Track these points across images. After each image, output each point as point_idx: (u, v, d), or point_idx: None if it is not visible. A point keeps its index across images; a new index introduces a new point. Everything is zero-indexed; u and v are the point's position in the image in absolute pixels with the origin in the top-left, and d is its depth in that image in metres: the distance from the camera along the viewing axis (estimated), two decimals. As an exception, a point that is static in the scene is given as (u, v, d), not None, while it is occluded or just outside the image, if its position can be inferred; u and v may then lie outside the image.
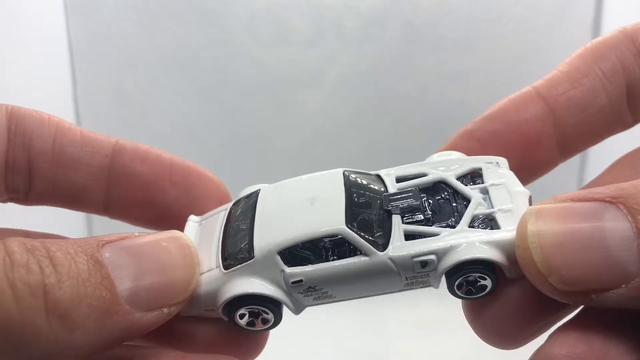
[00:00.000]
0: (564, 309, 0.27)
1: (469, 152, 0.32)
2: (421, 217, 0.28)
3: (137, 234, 0.25)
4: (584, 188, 0.27)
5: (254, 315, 0.28)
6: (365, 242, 0.27)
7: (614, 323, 0.24)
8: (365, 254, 0.27)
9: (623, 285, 0.22)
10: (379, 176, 0.31)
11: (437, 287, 0.28)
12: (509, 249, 0.26)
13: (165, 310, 0.25)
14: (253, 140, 0.82)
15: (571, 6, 0.78)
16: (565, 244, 0.22)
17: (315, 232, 0.27)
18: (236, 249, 0.28)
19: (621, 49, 0.31)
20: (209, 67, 0.79)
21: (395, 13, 0.77)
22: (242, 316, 0.28)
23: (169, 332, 0.28)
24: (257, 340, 0.30)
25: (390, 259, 0.27)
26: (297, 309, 0.29)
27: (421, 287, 0.28)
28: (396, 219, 0.28)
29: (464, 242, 0.26)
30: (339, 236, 0.27)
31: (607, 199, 0.22)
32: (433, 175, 0.30)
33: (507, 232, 0.26)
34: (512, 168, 0.30)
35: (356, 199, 0.29)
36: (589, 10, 0.78)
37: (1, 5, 0.65)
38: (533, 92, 0.32)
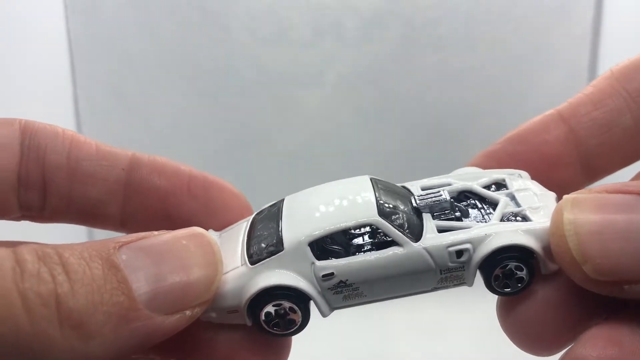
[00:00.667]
0: (600, 313, 0.26)
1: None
2: (451, 215, 0.28)
3: (155, 232, 0.25)
4: None
5: (279, 316, 0.27)
6: (399, 232, 0.26)
7: None
8: (399, 245, 0.26)
9: None
10: (404, 187, 0.31)
11: (471, 283, 0.27)
12: (544, 238, 0.26)
13: (188, 312, 0.24)
14: (253, 140, 0.82)
15: (571, 6, 0.78)
16: (602, 233, 0.23)
17: (347, 223, 0.27)
18: (263, 245, 0.28)
19: None
20: (209, 67, 0.79)
21: (395, 13, 0.76)
22: (267, 316, 0.27)
23: (188, 341, 0.28)
24: (281, 347, 0.29)
25: (425, 249, 0.26)
26: (326, 309, 0.28)
27: (455, 285, 0.27)
28: (427, 216, 0.28)
29: (500, 230, 0.26)
30: (373, 226, 0.27)
31: None
32: (458, 185, 0.30)
33: (541, 222, 0.26)
34: None
35: (385, 198, 0.28)
36: (589, 10, 0.78)
37: (1, 5, 0.65)
38: (555, 114, 0.32)
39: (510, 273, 0.26)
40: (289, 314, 0.27)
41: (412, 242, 0.26)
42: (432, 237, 0.27)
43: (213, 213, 0.31)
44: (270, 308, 0.27)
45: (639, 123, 0.31)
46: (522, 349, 0.28)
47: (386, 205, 0.28)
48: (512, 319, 0.28)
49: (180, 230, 0.26)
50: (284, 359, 0.29)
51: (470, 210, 0.29)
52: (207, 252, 0.26)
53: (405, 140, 0.81)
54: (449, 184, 0.30)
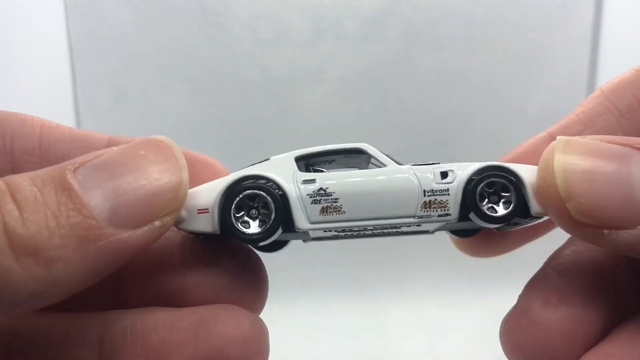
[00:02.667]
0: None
1: None
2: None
3: (114, 148, 0.24)
4: None
5: (251, 216, 0.26)
6: (387, 157, 0.27)
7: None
8: (385, 165, 0.27)
9: (638, 227, 0.22)
10: None
11: (456, 216, 0.26)
12: (533, 175, 0.26)
13: (157, 223, 0.23)
14: (253, 140, 0.82)
15: (571, 6, 0.78)
16: (590, 175, 0.23)
17: (334, 147, 0.27)
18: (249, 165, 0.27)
19: (637, 86, 0.31)
20: (209, 67, 0.79)
21: (395, 13, 0.76)
22: (239, 210, 0.26)
23: (159, 294, 0.27)
24: (257, 290, 0.28)
25: (411, 168, 0.26)
26: (302, 219, 0.26)
27: (440, 218, 0.26)
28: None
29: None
30: (361, 150, 0.27)
31: (637, 145, 0.23)
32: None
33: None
34: None
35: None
36: (589, 10, 0.78)
37: (1, 5, 0.65)
38: (546, 137, 0.33)
39: (495, 198, 0.26)
40: (260, 213, 0.26)
41: (398, 164, 0.27)
42: (419, 166, 0.27)
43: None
44: (241, 201, 0.26)
45: None
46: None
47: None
48: (513, 344, 0.27)
49: (137, 140, 0.25)
50: (262, 300, 0.28)
51: None
52: (169, 158, 0.24)
53: (405, 140, 0.81)
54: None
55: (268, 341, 0.26)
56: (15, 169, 0.28)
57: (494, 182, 0.26)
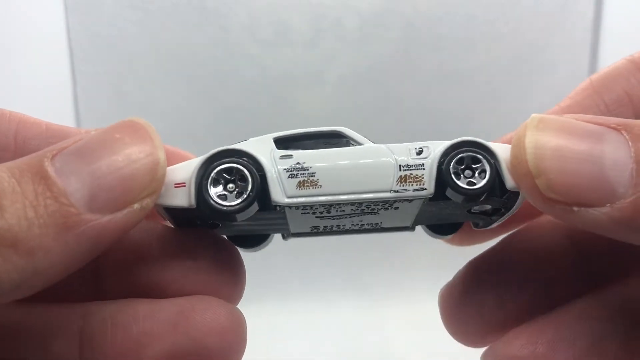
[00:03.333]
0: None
1: None
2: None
3: (91, 132, 0.24)
4: None
5: (228, 190, 0.26)
6: (363, 137, 0.27)
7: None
8: (362, 144, 0.27)
9: (608, 205, 0.22)
10: None
11: (431, 189, 0.26)
12: (506, 151, 0.26)
13: (136, 205, 0.23)
14: (253, 140, 0.82)
15: (571, 6, 0.78)
16: (561, 150, 0.23)
17: (313, 130, 0.27)
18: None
19: (628, 78, 0.31)
20: (209, 67, 0.79)
21: (395, 13, 0.77)
22: (215, 184, 0.26)
23: (138, 286, 0.27)
24: (235, 282, 0.28)
25: (386, 145, 0.27)
26: (278, 193, 0.26)
27: (416, 192, 0.26)
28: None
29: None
30: (339, 133, 0.27)
31: (612, 125, 0.23)
32: None
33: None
34: None
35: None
36: (589, 11, 0.78)
37: (1, 5, 0.65)
38: None
39: (469, 167, 0.26)
40: (237, 187, 0.26)
41: (371, 143, 0.27)
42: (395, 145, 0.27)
43: None
44: (218, 173, 0.26)
45: None
46: (454, 337, 0.30)
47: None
48: (451, 310, 0.29)
49: (113, 124, 0.24)
50: (240, 290, 0.28)
51: None
52: (145, 140, 0.24)
53: (405, 140, 0.81)
54: None
55: (245, 331, 0.26)
56: None
57: (466, 157, 0.26)
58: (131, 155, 0.23)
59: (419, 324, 0.78)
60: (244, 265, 0.29)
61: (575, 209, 0.22)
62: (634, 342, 0.26)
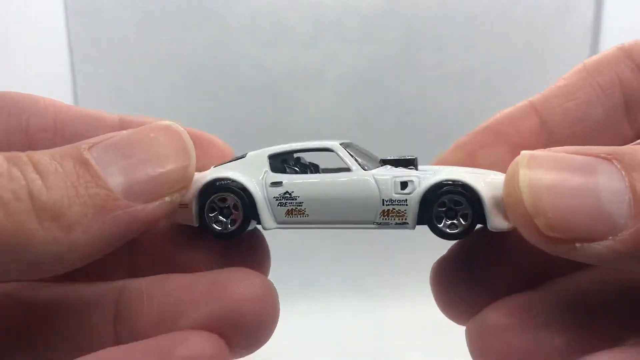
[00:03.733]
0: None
1: (460, 164, 0.32)
2: (413, 168, 0.29)
3: (124, 131, 0.25)
4: None
5: (222, 210, 0.28)
6: (353, 160, 0.28)
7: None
8: (350, 171, 0.28)
9: (610, 238, 0.22)
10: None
11: (412, 224, 0.27)
12: (495, 189, 0.26)
13: (167, 199, 0.25)
14: (253, 140, 0.82)
15: (571, 6, 0.78)
16: (557, 187, 0.23)
17: (307, 145, 0.29)
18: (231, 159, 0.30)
19: (618, 64, 0.31)
20: (209, 67, 0.79)
21: (395, 13, 0.77)
22: (211, 209, 0.28)
23: (169, 267, 0.29)
24: (261, 257, 0.30)
25: (373, 175, 0.28)
26: (268, 219, 0.28)
27: (398, 225, 0.27)
28: (388, 165, 0.29)
29: (451, 170, 0.27)
30: (330, 150, 0.29)
31: (602, 155, 0.23)
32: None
33: (495, 178, 0.27)
34: None
35: (351, 147, 0.30)
36: (589, 11, 0.78)
37: (1, 5, 0.65)
38: (528, 105, 0.33)
39: (452, 212, 0.27)
40: (232, 213, 0.28)
41: (362, 169, 0.28)
42: (383, 171, 0.28)
43: (203, 166, 0.32)
44: (214, 203, 0.28)
45: (610, 116, 0.31)
46: (444, 313, 0.31)
47: (348, 145, 0.30)
48: (442, 285, 0.30)
49: (149, 124, 0.26)
50: (265, 268, 0.30)
51: None
52: (178, 141, 0.26)
53: (405, 140, 0.81)
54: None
55: (278, 301, 0.28)
56: (31, 147, 0.30)
57: (448, 200, 0.27)
58: (164, 154, 0.25)
59: (420, 325, 0.78)
60: (267, 245, 0.31)
61: (577, 245, 0.22)
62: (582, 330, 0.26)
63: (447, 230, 0.27)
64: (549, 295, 0.27)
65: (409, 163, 0.29)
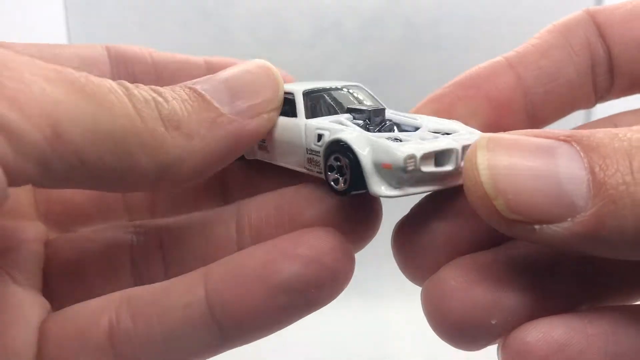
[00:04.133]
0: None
1: (437, 115, 0.33)
2: (376, 124, 0.31)
3: (224, 72, 0.29)
4: None
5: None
6: (302, 107, 0.31)
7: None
8: (295, 116, 0.30)
9: (569, 219, 0.22)
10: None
11: (324, 176, 0.29)
12: (375, 153, 0.26)
13: (265, 115, 0.29)
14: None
15: (571, 6, 0.78)
16: (516, 170, 0.22)
17: (285, 88, 0.32)
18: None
19: (586, 27, 0.32)
20: (209, 67, 0.79)
21: (395, 13, 0.77)
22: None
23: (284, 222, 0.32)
24: (370, 221, 0.31)
25: (305, 124, 0.30)
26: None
27: (318, 174, 0.29)
28: (345, 115, 0.31)
29: (355, 131, 0.28)
30: (291, 96, 0.31)
31: (562, 137, 0.23)
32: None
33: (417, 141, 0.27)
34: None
35: (330, 93, 0.33)
36: (589, 10, 0.78)
37: (1, 5, 0.65)
38: (504, 62, 0.33)
39: (340, 168, 0.28)
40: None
41: (303, 117, 0.30)
42: (320, 120, 0.30)
43: None
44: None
45: (581, 77, 0.32)
46: (403, 271, 0.32)
47: (319, 92, 0.32)
48: (402, 242, 0.31)
49: (247, 62, 0.31)
50: (371, 232, 0.32)
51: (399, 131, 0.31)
52: (271, 75, 0.31)
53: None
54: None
55: (354, 262, 0.30)
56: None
57: (334, 158, 0.28)
58: (263, 85, 0.30)
59: (420, 325, 0.78)
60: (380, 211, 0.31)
61: (536, 227, 0.22)
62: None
63: (332, 184, 0.28)
64: (507, 256, 0.27)
65: (376, 113, 0.31)
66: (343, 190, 0.28)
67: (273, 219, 0.30)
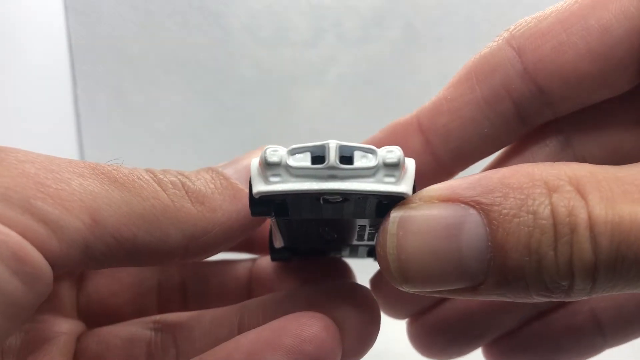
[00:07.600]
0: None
1: None
2: None
3: (240, 162, 0.31)
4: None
5: None
6: None
7: None
8: None
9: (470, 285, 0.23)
10: None
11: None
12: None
13: None
14: (253, 141, 0.82)
15: (571, 6, 0.78)
16: (422, 252, 0.23)
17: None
18: None
19: (507, 68, 0.30)
20: (209, 67, 0.79)
21: (395, 13, 0.77)
22: None
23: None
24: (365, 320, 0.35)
25: None
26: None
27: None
28: None
29: None
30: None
31: (471, 202, 0.22)
32: None
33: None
34: None
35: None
36: (589, 10, 0.78)
37: (1, 5, 0.65)
38: (414, 122, 0.35)
39: None
40: None
41: None
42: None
43: None
44: None
45: (498, 128, 0.31)
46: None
47: None
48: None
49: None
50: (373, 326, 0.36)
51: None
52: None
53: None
54: None
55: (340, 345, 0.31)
56: None
57: None
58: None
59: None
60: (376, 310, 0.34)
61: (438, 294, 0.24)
62: None
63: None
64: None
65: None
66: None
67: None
